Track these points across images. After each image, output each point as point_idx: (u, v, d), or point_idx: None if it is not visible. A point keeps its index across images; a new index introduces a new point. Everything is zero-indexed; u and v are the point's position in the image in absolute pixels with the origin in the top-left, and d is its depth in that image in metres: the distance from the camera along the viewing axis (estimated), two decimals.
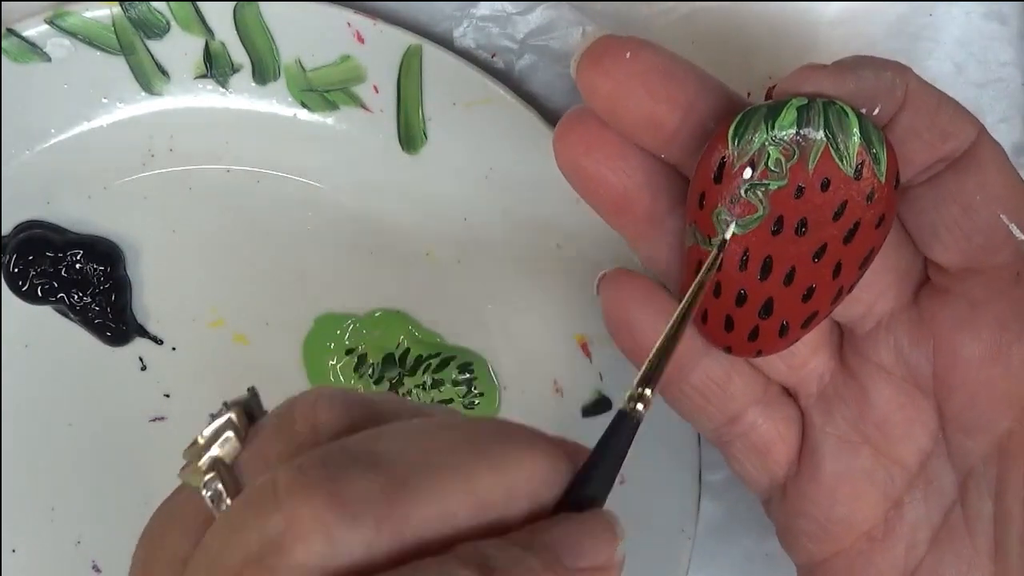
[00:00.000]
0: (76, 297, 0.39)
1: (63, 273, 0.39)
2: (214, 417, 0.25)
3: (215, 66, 0.38)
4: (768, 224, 0.28)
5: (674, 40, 0.38)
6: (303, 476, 0.22)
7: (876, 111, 0.27)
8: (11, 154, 0.38)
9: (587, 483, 0.24)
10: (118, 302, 0.39)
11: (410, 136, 0.38)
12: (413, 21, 0.38)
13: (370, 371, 0.40)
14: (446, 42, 0.38)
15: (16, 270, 0.39)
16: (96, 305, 0.39)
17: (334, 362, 0.40)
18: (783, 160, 0.27)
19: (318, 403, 0.25)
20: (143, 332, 0.40)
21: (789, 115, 0.26)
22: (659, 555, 0.39)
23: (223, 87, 0.38)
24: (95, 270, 0.39)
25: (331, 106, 0.38)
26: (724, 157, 0.27)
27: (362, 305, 0.40)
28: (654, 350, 0.26)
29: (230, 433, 0.25)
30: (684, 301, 0.27)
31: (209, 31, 0.37)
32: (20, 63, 0.37)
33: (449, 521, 0.22)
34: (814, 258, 0.28)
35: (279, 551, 0.21)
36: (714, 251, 0.28)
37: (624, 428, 0.25)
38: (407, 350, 0.40)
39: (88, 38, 0.37)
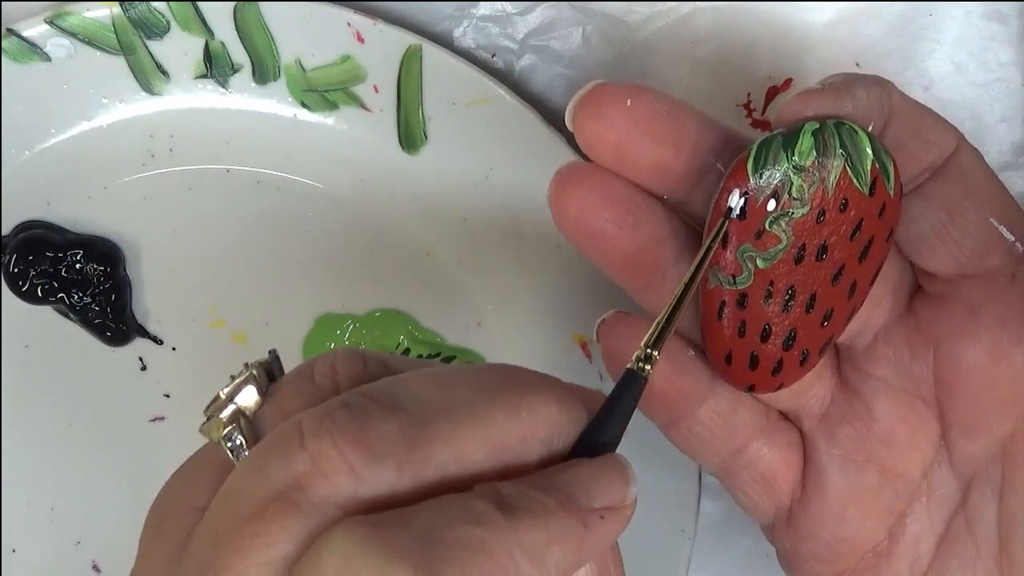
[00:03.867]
0: (76, 297, 0.39)
1: (63, 273, 0.39)
2: (235, 378, 0.26)
3: (215, 66, 0.38)
4: (791, 254, 0.28)
5: (674, 40, 0.38)
6: (328, 418, 0.23)
7: (870, 128, 0.27)
8: (11, 154, 0.38)
9: (598, 433, 0.25)
10: (118, 302, 0.39)
11: (410, 136, 0.38)
12: (413, 21, 0.38)
13: None
14: (446, 42, 0.38)
15: (16, 270, 0.39)
16: (96, 305, 0.39)
17: None
18: (805, 187, 0.27)
19: (336, 359, 0.26)
20: (143, 332, 0.40)
21: (806, 141, 0.26)
22: (659, 555, 0.39)
23: (223, 87, 0.38)
24: (95, 270, 0.39)
25: (331, 106, 0.38)
26: (747, 192, 0.27)
27: (362, 305, 0.40)
28: (663, 312, 0.26)
29: (251, 387, 0.26)
30: (693, 265, 0.27)
31: (209, 31, 0.37)
32: (20, 63, 0.37)
33: (467, 462, 0.23)
34: (833, 281, 0.28)
35: (304, 487, 0.22)
36: (721, 220, 0.27)
37: (632, 385, 0.26)
38: (407, 350, 0.40)
39: (88, 38, 0.37)
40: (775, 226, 0.27)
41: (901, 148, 0.28)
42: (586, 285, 0.39)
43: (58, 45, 0.37)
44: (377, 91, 0.38)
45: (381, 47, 0.37)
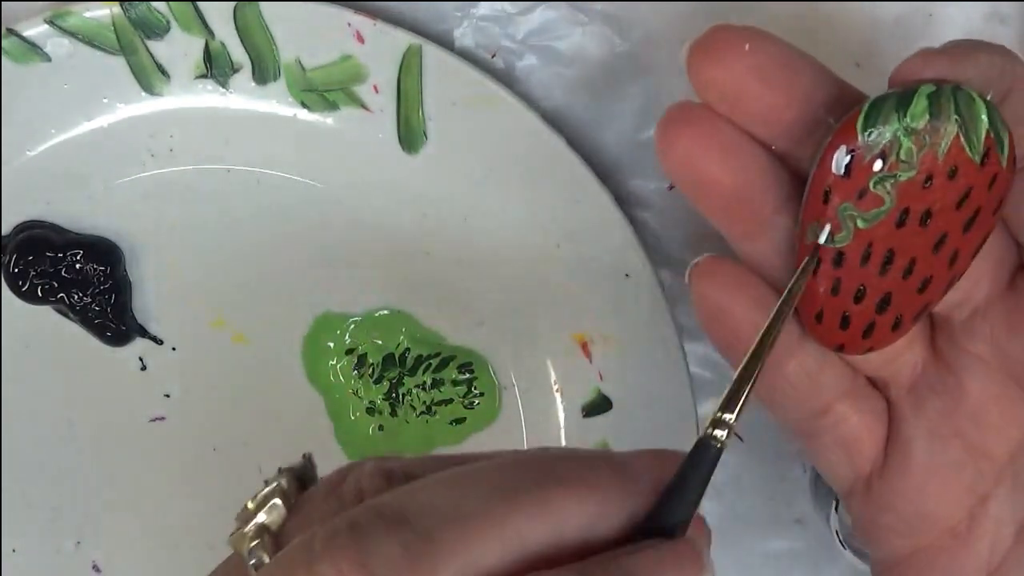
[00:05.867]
0: (76, 297, 0.39)
1: (63, 273, 0.39)
2: (268, 483, 0.26)
3: (215, 66, 0.38)
4: (893, 217, 0.27)
5: (673, 40, 0.38)
6: (332, 540, 0.23)
7: (989, 96, 0.26)
8: (11, 154, 0.38)
9: (668, 508, 0.24)
10: (118, 302, 0.39)
11: (410, 136, 0.38)
12: (413, 21, 0.38)
13: (370, 371, 0.40)
14: (446, 42, 0.38)
15: (16, 270, 0.39)
16: (96, 305, 0.39)
17: (334, 362, 0.40)
18: (915, 150, 0.26)
19: (363, 476, 0.25)
20: (143, 332, 0.40)
21: (920, 103, 0.26)
22: None
23: (223, 87, 0.38)
24: (95, 270, 0.39)
25: (331, 106, 0.38)
26: (853, 150, 0.26)
27: (362, 305, 0.40)
28: (736, 373, 0.26)
29: (277, 500, 0.25)
30: (769, 320, 0.27)
31: (209, 31, 0.37)
32: (20, 63, 0.37)
33: (483, 567, 0.23)
34: (934, 249, 0.27)
35: None
36: (807, 258, 0.27)
37: (703, 455, 0.25)
38: (407, 350, 0.40)
39: (88, 38, 0.37)
40: (879, 187, 0.27)
41: (1019, 122, 0.27)
42: (586, 285, 0.39)
43: (58, 45, 0.37)
44: (377, 91, 0.38)
45: (381, 47, 0.37)
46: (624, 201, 0.39)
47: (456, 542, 0.23)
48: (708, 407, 0.41)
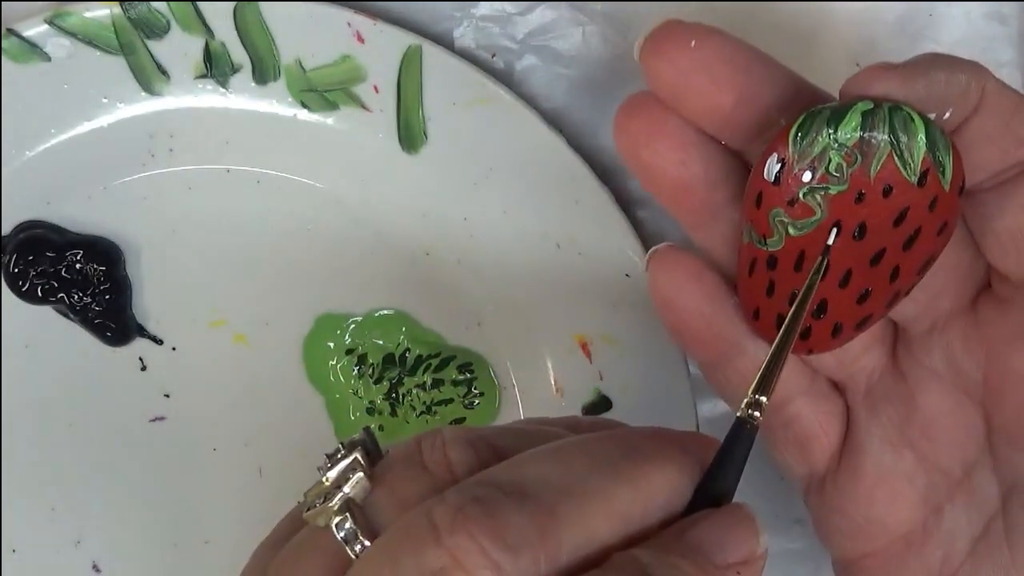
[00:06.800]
0: (76, 297, 0.39)
1: (63, 273, 0.39)
2: (331, 457, 0.25)
3: (215, 66, 0.38)
4: (826, 227, 0.27)
5: None
6: (462, 513, 0.23)
7: (947, 115, 0.26)
8: (11, 154, 0.38)
9: (715, 483, 0.25)
10: (118, 302, 0.39)
11: (410, 136, 0.38)
12: (413, 21, 0.38)
13: (370, 371, 0.40)
14: (446, 42, 0.38)
15: (16, 270, 0.39)
16: (96, 305, 0.39)
17: (334, 362, 0.40)
18: (844, 166, 0.26)
19: (446, 447, 0.25)
20: (143, 332, 0.40)
21: (853, 120, 0.26)
22: None
23: (223, 87, 0.38)
24: (95, 270, 0.39)
25: (331, 106, 0.38)
26: (784, 159, 0.27)
27: (362, 305, 0.40)
28: (767, 358, 0.26)
29: (360, 474, 0.25)
30: (794, 307, 0.27)
31: (209, 31, 0.37)
32: (20, 63, 0.37)
33: (596, 540, 0.23)
34: (872, 262, 0.27)
35: None
36: (819, 259, 0.27)
37: (742, 433, 0.26)
38: (407, 350, 0.40)
39: (88, 38, 0.37)
40: (809, 198, 0.27)
41: (987, 140, 0.26)
42: (586, 285, 0.39)
43: (58, 45, 0.37)
44: (377, 91, 0.38)
45: (381, 47, 0.37)
46: (624, 201, 0.39)
47: (575, 515, 0.23)
48: (708, 407, 0.41)
